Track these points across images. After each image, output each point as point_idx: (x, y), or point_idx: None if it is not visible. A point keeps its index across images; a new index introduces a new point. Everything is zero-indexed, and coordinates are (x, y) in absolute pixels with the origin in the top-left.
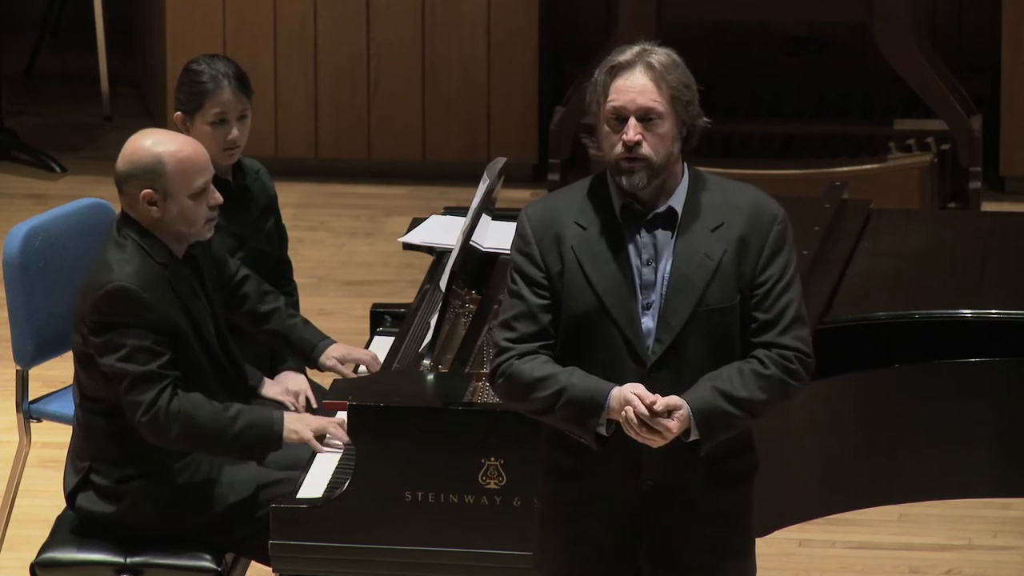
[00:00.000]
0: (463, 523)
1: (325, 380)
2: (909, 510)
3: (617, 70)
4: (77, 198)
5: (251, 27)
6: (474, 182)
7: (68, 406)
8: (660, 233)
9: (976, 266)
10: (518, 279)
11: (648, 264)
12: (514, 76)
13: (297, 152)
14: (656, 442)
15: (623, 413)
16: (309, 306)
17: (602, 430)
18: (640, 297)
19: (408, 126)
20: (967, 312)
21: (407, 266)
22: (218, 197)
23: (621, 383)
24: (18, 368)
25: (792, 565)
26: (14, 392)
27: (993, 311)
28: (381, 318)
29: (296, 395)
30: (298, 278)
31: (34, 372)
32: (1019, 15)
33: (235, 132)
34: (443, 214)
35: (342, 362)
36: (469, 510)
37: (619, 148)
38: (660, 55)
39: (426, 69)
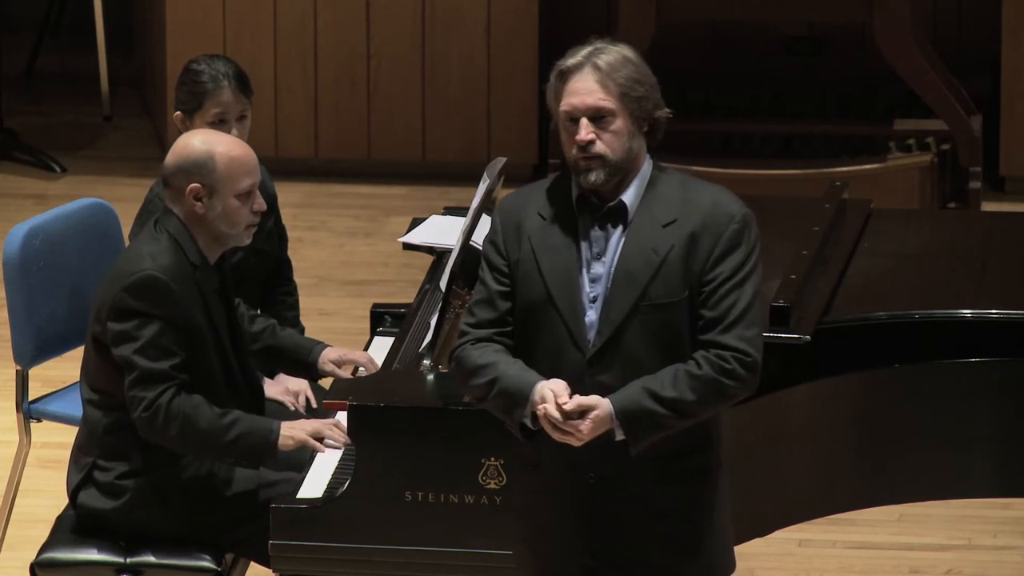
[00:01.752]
0: (463, 523)
1: (325, 381)
2: (909, 510)
3: (566, 74)
4: (77, 198)
5: (251, 27)
6: (474, 182)
7: (68, 406)
8: (612, 227)
9: (976, 266)
10: (484, 266)
11: (598, 257)
12: (514, 76)
13: (297, 152)
14: (571, 442)
15: (537, 410)
16: (309, 306)
17: (527, 422)
18: (588, 290)
19: (408, 126)
20: (967, 312)
21: (407, 266)
22: (262, 203)
23: (564, 374)
24: (18, 368)
25: (792, 565)
26: (14, 392)
27: (993, 311)
28: (381, 318)
29: (296, 395)
30: (298, 278)
31: (34, 372)
32: (1019, 15)
33: (235, 132)
34: (443, 214)
35: (339, 364)
36: (469, 510)
37: (575, 149)
38: (609, 54)
39: (426, 69)
